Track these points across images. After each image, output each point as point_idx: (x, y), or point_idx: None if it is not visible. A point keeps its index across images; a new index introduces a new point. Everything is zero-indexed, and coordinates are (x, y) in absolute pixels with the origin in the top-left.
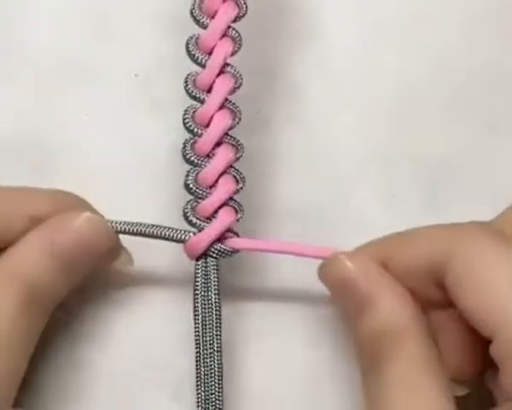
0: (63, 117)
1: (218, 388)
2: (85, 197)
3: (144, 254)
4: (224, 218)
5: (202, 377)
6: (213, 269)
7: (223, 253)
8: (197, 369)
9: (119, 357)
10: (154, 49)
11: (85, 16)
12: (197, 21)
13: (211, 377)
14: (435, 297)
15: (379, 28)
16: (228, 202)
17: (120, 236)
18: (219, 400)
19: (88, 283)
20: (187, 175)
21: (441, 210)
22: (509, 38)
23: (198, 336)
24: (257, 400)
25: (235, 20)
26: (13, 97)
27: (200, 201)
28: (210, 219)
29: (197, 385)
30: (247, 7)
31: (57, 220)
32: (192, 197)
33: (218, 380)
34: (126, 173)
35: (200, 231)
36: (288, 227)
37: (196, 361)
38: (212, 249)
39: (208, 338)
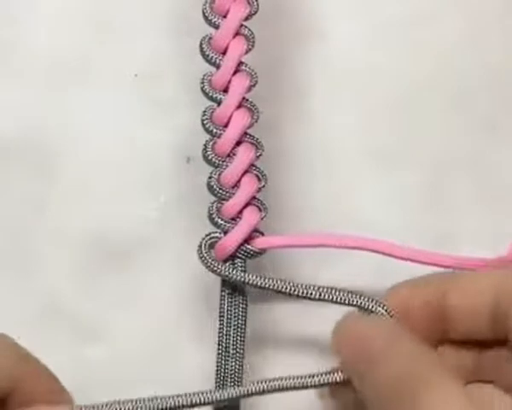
0: (63, 117)
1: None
2: (85, 197)
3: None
4: (250, 218)
5: (222, 378)
6: (241, 270)
7: (250, 254)
8: (217, 371)
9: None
10: (154, 49)
11: (85, 16)
12: (209, 21)
13: (231, 380)
14: (487, 337)
15: (379, 28)
16: (251, 201)
17: None
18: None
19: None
20: (210, 177)
21: (441, 210)
22: (509, 37)
23: (222, 337)
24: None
25: (246, 18)
26: (13, 97)
27: (223, 202)
28: (235, 220)
29: (216, 384)
30: (258, 4)
31: None
32: (216, 199)
33: (239, 383)
34: (126, 173)
35: (225, 232)
36: (288, 227)
37: (217, 362)
38: (240, 251)
39: (232, 340)
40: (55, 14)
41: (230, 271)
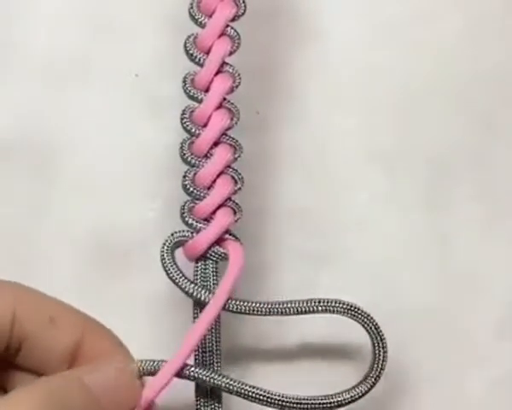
0: (63, 117)
1: (217, 390)
2: (84, 197)
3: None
4: (222, 219)
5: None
6: (212, 272)
7: (222, 256)
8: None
9: None
10: (154, 49)
11: (85, 16)
12: (195, 20)
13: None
14: None
15: (379, 28)
16: (226, 202)
17: None
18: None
19: None
20: (184, 176)
21: (441, 210)
22: (509, 37)
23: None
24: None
25: (233, 19)
26: (13, 97)
27: (197, 202)
28: (208, 221)
29: (196, 390)
30: (245, 6)
31: (98, 367)
32: (190, 198)
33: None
34: (125, 173)
35: (197, 232)
36: (287, 228)
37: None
38: (211, 252)
39: (207, 342)
40: (55, 14)
41: (179, 277)
